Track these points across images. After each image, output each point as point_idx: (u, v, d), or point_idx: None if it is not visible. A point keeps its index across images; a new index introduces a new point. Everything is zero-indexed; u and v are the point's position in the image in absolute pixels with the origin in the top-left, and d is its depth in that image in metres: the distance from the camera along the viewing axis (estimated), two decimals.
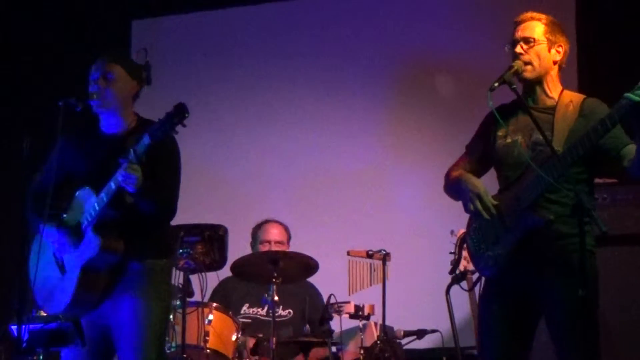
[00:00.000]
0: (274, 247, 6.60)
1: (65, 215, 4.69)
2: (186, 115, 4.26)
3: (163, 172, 4.60)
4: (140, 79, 4.77)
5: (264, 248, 6.62)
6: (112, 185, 4.44)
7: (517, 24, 4.35)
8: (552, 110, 4.26)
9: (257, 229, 6.82)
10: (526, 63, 4.25)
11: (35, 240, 4.78)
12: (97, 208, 4.50)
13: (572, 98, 4.29)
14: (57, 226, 4.65)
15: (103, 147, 4.64)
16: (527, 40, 4.28)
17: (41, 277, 4.69)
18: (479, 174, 4.44)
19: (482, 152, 4.43)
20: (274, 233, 6.74)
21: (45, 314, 5.30)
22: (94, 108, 4.68)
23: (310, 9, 8.29)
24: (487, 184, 4.35)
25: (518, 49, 4.28)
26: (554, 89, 4.32)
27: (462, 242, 4.76)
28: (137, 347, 4.51)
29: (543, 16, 4.34)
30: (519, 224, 4.16)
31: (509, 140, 4.29)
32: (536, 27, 4.30)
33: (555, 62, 4.32)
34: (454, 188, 4.41)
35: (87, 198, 4.58)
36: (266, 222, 6.82)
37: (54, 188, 4.65)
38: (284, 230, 6.79)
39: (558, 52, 4.32)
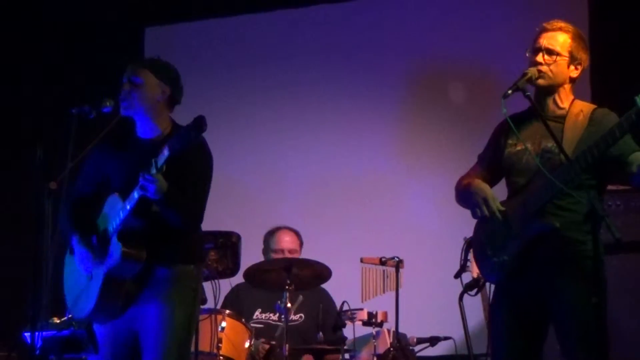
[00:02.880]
0: (288, 256, 6.59)
1: (97, 221, 4.73)
2: (204, 128, 4.26)
3: (189, 182, 4.61)
4: (172, 82, 4.78)
5: (277, 256, 6.61)
6: (135, 194, 4.45)
7: (544, 30, 4.31)
8: (562, 119, 4.25)
9: (270, 236, 6.80)
10: (540, 72, 4.24)
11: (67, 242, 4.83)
12: (121, 216, 4.53)
13: (583, 108, 4.28)
14: (85, 244, 4.69)
15: (136, 153, 4.66)
16: (550, 52, 4.25)
17: (71, 280, 4.76)
18: (491, 182, 4.43)
19: (493, 161, 4.43)
20: (287, 241, 6.73)
21: (58, 320, 5.32)
22: (122, 111, 4.70)
23: (324, 16, 8.29)
24: (497, 192, 4.35)
25: (539, 58, 4.25)
26: (565, 99, 4.31)
27: (468, 247, 4.76)
28: (160, 354, 4.52)
29: (571, 29, 4.31)
30: (525, 230, 4.16)
31: (518, 147, 4.29)
32: (562, 40, 4.27)
33: (571, 79, 4.31)
34: (464, 196, 4.41)
35: (114, 205, 4.60)
36: (278, 229, 6.81)
37: (92, 196, 4.74)
38: (297, 237, 6.78)
39: (576, 68, 4.30)
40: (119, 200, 4.57)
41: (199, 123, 4.27)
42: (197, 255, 4.83)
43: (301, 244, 6.79)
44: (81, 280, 4.70)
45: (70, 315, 5.36)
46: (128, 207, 4.49)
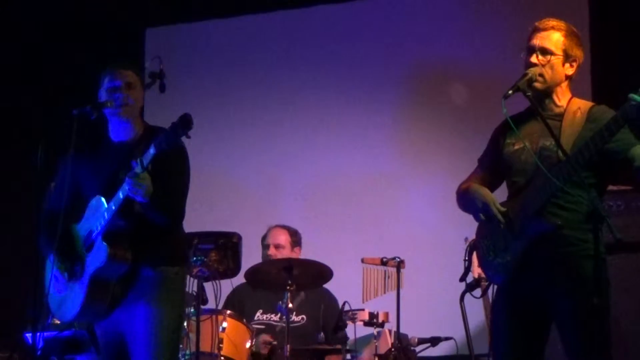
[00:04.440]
0: (273, 251, 6.62)
1: (78, 225, 4.71)
2: (191, 126, 4.27)
3: (170, 180, 4.60)
4: (143, 88, 4.82)
5: (266, 252, 6.65)
6: (120, 195, 4.45)
7: (537, 30, 4.30)
8: (560, 117, 4.25)
9: (264, 236, 6.84)
10: (539, 74, 4.23)
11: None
12: (106, 217, 4.52)
13: (580, 105, 4.28)
14: (59, 266, 4.66)
15: (112, 156, 4.66)
16: (544, 51, 4.24)
17: (54, 283, 4.71)
18: (492, 185, 4.43)
19: (493, 162, 4.42)
20: (274, 237, 6.74)
21: (58, 322, 5.31)
22: (114, 115, 4.69)
23: (324, 17, 8.29)
24: (497, 193, 4.35)
25: (533, 59, 4.24)
26: (562, 98, 4.30)
27: (472, 249, 4.75)
28: (150, 355, 4.51)
29: (563, 26, 4.29)
30: (527, 230, 4.16)
31: (517, 146, 4.29)
32: (555, 38, 4.26)
33: (567, 76, 4.30)
34: (464, 201, 4.41)
35: (98, 207, 4.59)
36: (271, 227, 6.84)
37: (66, 208, 4.66)
38: (287, 234, 6.77)
39: (572, 66, 4.28)
40: (103, 202, 4.57)
41: (186, 121, 4.27)
42: (182, 257, 4.82)
43: (294, 241, 6.77)
44: (65, 284, 4.69)
45: (53, 319, 5.35)
46: (113, 207, 4.49)
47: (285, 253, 6.64)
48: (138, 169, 4.37)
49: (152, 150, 4.34)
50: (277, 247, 6.69)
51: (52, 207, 4.75)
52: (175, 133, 4.29)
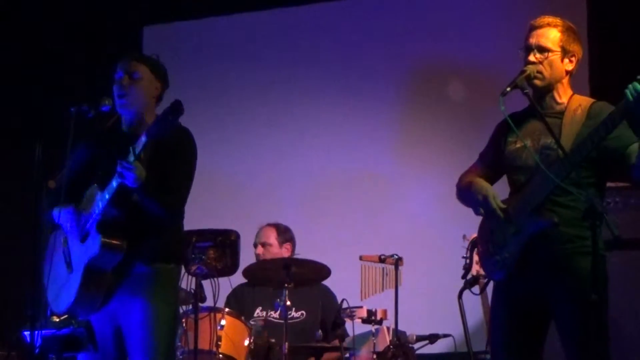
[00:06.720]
0: (260, 249, 6.67)
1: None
2: (182, 112, 4.26)
3: (170, 171, 4.58)
4: (163, 79, 4.78)
5: (255, 250, 6.67)
6: (114, 183, 4.43)
7: (533, 28, 4.30)
8: (560, 114, 4.25)
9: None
10: (537, 72, 4.23)
11: (50, 241, 4.80)
12: (100, 206, 4.51)
13: (581, 102, 4.27)
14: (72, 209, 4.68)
15: (119, 145, 4.62)
16: (541, 49, 4.24)
17: (52, 276, 4.72)
18: (492, 179, 4.43)
19: (493, 158, 4.43)
20: (260, 235, 6.79)
21: (57, 319, 5.30)
22: (118, 107, 4.69)
23: (322, 14, 8.30)
24: (499, 190, 4.35)
25: (531, 57, 4.24)
26: (563, 94, 4.30)
27: (473, 246, 4.74)
28: (145, 351, 4.51)
29: (559, 22, 4.30)
30: (526, 226, 4.16)
31: (518, 144, 4.29)
32: (552, 35, 4.26)
33: (567, 72, 4.30)
34: (465, 194, 4.41)
35: (93, 196, 4.59)
36: (261, 226, 6.87)
37: (71, 180, 4.69)
38: (275, 231, 6.78)
39: (571, 61, 4.29)
40: (98, 191, 4.56)
41: (176, 107, 4.26)
42: (177, 255, 4.79)
43: (283, 239, 6.77)
44: (62, 275, 4.67)
45: (51, 316, 5.34)
46: (107, 196, 4.47)
47: (274, 251, 6.66)
48: (130, 157, 4.36)
49: (143, 138, 4.34)
50: (263, 245, 6.71)
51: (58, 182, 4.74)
52: (166, 119, 4.27)
